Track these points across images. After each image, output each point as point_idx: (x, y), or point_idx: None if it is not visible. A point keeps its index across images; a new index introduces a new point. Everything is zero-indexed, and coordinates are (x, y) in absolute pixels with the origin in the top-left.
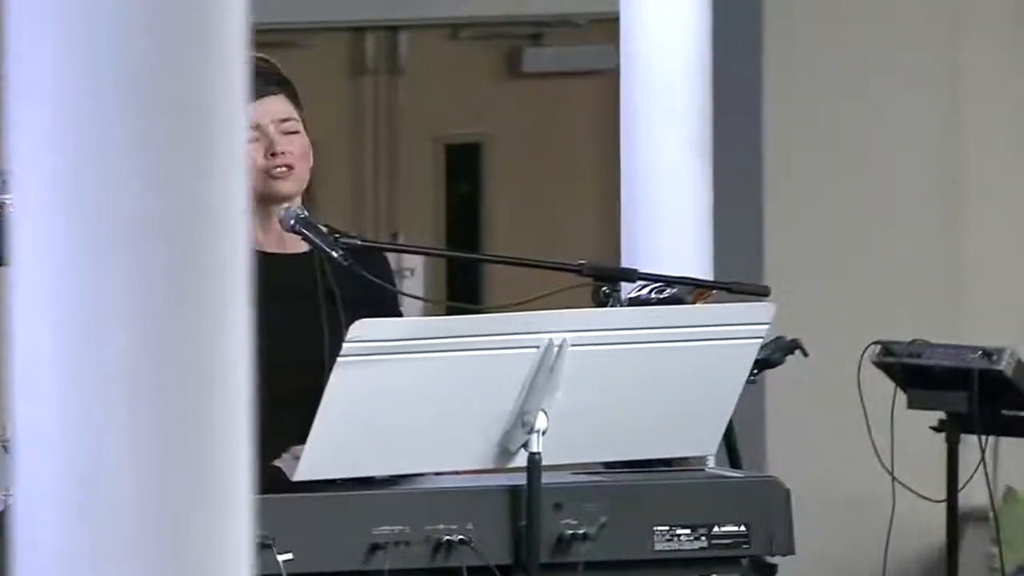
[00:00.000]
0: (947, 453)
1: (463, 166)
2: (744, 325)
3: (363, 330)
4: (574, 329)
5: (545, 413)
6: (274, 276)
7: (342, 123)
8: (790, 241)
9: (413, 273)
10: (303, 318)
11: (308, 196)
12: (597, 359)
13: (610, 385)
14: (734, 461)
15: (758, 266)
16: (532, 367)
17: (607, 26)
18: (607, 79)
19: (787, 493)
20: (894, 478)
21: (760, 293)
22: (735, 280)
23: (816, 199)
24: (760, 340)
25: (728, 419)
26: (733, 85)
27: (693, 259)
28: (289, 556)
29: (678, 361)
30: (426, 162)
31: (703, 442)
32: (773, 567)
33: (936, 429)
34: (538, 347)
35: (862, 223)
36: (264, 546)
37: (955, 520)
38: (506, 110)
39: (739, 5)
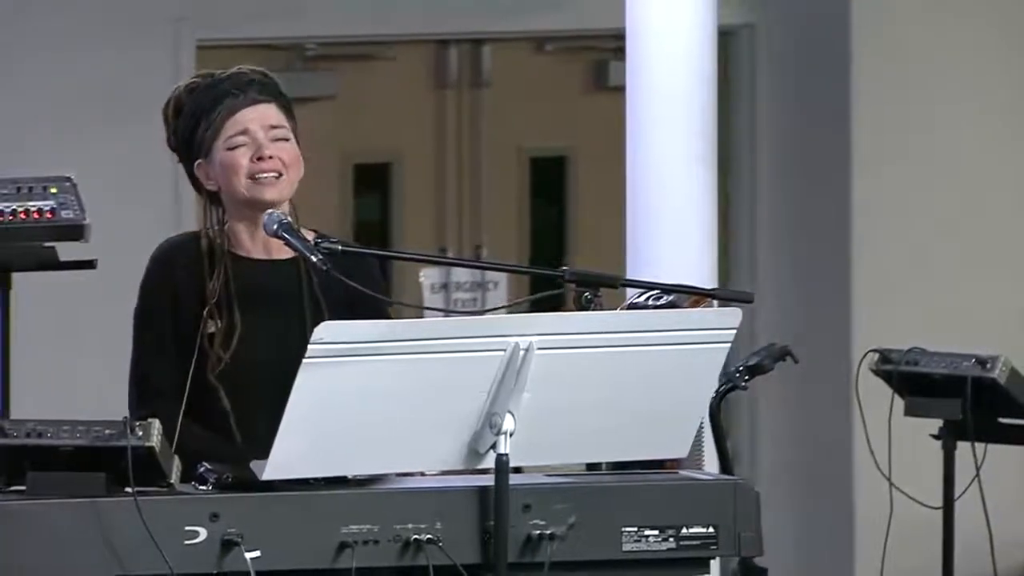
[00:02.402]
0: (943, 460)
1: (548, 179)
2: (713, 330)
3: (328, 332)
4: (541, 333)
5: (512, 415)
6: (259, 281)
7: (426, 136)
8: (880, 255)
9: (496, 286)
10: (286, 321)
11: (294, 207)
12: (565, 362)
13: (579, 388)
14: (725, 467)
15: (846, 284)
16: (499, 369)
17: None
18: None
19: (756, 495)
20: (892, 484)
21: (743, 300)
22: (718, 286)
23: (906, 212)
24: (728, 345)
25: (699, 422)
26: (820, 93)
27: (695, 267)
28: (257, 554)
29: (646, 365)
30: (511, 175)
31: (673, 445)
32: (763, 571)
33: (936, 437)
34: (504, 350)
35: (953, 239)
36: (232, 544)
37: (951, 527)
38: (591, 123)
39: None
